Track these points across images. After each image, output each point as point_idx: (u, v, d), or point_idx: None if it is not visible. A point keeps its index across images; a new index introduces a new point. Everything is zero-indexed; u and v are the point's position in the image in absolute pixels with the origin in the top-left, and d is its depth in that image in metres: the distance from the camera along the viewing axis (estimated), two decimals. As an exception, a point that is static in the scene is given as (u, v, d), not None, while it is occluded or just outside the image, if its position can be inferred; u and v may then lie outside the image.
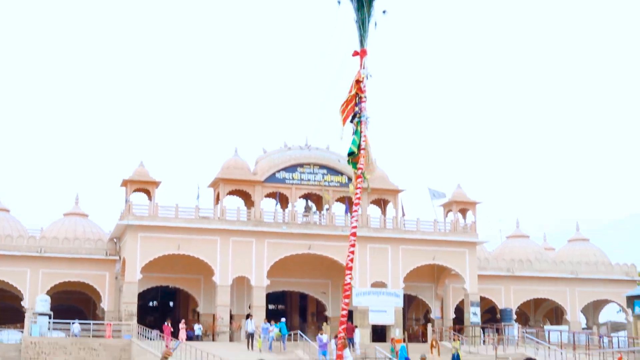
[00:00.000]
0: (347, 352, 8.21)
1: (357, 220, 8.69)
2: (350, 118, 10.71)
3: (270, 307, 55.38)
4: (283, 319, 48.39)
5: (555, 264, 62.71)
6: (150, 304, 60.67)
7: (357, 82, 12.04)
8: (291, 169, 53.52)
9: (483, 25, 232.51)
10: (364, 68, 12.51)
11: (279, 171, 53.21)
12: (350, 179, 53.87)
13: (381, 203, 56.40)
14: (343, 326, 7.31)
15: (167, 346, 38.71)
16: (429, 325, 54.10)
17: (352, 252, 8.36)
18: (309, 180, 53.71)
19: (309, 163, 53.93)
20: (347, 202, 54.29)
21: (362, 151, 10.60)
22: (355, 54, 14.04)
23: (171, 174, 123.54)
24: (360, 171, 9.22)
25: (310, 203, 56.52)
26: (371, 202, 55.55)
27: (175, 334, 46.49)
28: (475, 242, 56.40)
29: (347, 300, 7.58)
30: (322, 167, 54.11)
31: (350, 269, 7.78)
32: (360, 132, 10.13)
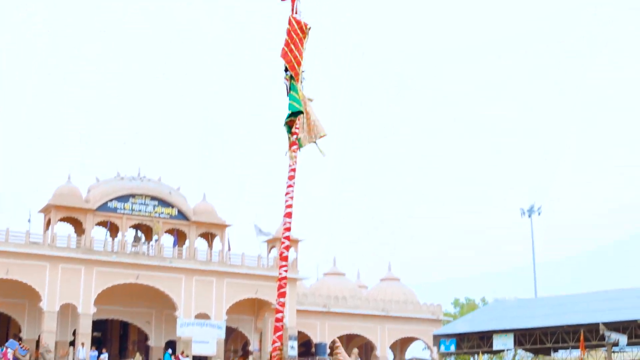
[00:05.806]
0: None
1: (292, 187, 7.62)
2: (285, 70, 7.87)
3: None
4: (169, 350, 49.45)
5: (368, 302, 66.29)
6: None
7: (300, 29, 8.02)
8: (123, 198, 54.28)
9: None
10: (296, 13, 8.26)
11: (111, 200, 53.84)
12: (180, 212, 55.62)
13: (208, 237, 58.19)
14: (277, 343, 8.27)
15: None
16: (250, 357, 56.10)
17: (283, 294, 7.44)
18: (140, 210, 54.70)
19: (141, 194, 54.84)
20: (176, 234, 55.68)
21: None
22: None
23: (1, 198, 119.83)
24: (295, 137, 7.34)
25: (140, 233, 57.42)
26: (199, 236, 57.26)
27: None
28: (296, 278, 59.00)
29: (279, 330, 8.19)
30: (153, 198, 55.21)
31: (282, 304, 7.80)
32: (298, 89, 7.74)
